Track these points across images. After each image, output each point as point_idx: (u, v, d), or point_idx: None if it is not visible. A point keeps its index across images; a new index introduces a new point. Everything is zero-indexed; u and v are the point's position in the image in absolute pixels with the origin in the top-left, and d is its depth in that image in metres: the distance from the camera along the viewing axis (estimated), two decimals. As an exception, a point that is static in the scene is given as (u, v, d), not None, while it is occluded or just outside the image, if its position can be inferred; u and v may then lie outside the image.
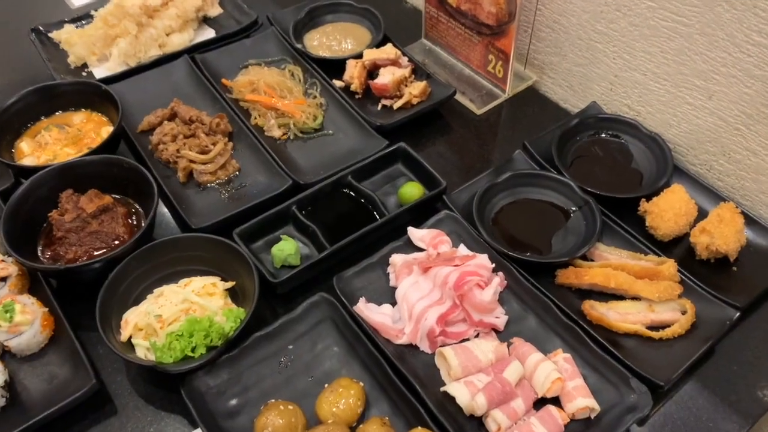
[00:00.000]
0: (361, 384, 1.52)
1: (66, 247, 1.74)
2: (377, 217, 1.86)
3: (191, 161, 1.99)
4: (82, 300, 1.70)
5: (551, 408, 1.48)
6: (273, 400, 1.47)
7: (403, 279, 1.72)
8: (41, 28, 2.43)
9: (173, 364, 1.50)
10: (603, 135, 2.08)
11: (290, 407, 1.45)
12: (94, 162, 1.85)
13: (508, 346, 1.61)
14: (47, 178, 1.81)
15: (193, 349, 1.51)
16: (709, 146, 1.92)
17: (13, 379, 1.57)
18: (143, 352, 1.57)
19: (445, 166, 2.06)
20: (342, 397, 1.47)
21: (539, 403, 1.52)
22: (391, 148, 2.01)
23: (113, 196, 1.86)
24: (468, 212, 1.85)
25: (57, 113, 2.10)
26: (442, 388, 1.53)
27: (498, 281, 1.69)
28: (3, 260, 1.71)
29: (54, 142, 2.00)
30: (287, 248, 1.76)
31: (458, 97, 2.28)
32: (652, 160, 2.00)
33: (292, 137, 2.12)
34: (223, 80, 2.26)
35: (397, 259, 1.75)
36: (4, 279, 1.68)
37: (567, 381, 1.51)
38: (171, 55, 2.32)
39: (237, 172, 2.02)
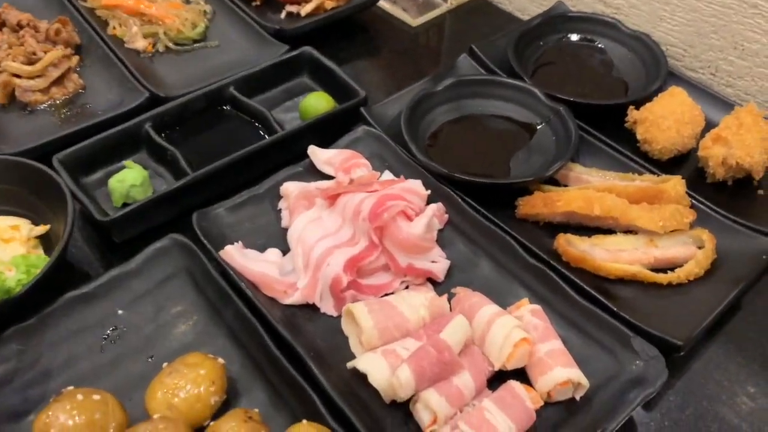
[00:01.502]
0: (221, 361, 0.97)
1: None
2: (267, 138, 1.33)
3: (14, 75, 1.44)
4: None
5: (514, 384, 0.96)
6: (70, 388, 0.91)
7: (299, 215, 1.18)
8: None
9: None
10: (573, 38, 1.59)
11: (96, 397, 0.89)
12: None
13: (449, 299, 1.09)
14: None
15: (-55, 314, 0.95)
16: (715, 39, 1.44)
17: None
18: None
19: (369, 84, 1.54)
20: (185, 382, 0.92)
21: (497, 379, 1.00)
22: (291, 54, 1.48)
23: None
24: (396, 131, 1.33)
25: None
26: (349, 364, 1.00)
27: (434, 210, 1.17)
28: None
29: None
30: (130, 177, 1.22)
31: (388, 6, 1.78)
32: (638, 67, 1.51)
33: (161, 49, 1.58)
34: (77, -12, 1.72)
35: (291, 187, 1.22)
36: None
37: (537, 343, 0.99)
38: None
39: (80, 90, 1.47)
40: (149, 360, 1.03)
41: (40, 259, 1.05)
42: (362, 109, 1.36)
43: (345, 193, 1.17)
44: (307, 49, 1.48)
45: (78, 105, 1.45)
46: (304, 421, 0.89)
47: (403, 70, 1.63)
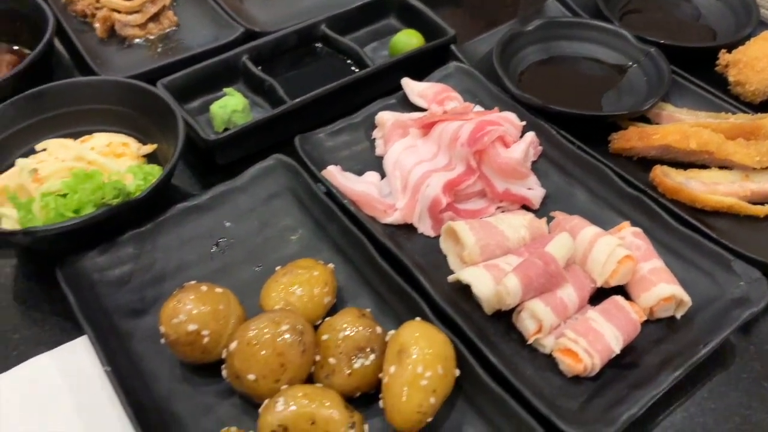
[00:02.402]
0: (331, 266, 1.01)
1: None
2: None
3: (113, 10, 1.49)
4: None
5: (618, 298, 0.98)
6: (192, 282, 0.96)
7: (394, 142, 1.21)
8: None
9: (40, 227, 0.98)
10: (659, -13, 1.59)
11: (218, 290, 0.93)
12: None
13: (548, 223, 1.11)
14: None
15: (77, 211, 1.00)
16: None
17: None
18: (11, 224, 1.06)
19: (453, 25, 1.55)
20: (300, 282, 0.96)
21: (595, 298, 1.01)
22: (380, -5, 1.51)
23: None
24: (484, 68, 1.35)
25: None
26: (451, 277, 1.03)
27: (531, 138, 1.18)
28: None
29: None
30: (232, 103, 1.26)
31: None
32: (727, 15, 1.50)
33: (252, -7, 1.62)
34: (168, -67, 1.77)
35: (386, 116, 1.25)
36: None
37: (640, 262, 1.00)
38: None
39: (175, 27, 1.52)
40: (256, 269, 1.07)
41: (155, 169, 1.09)
42: (453, 47, 1.38)
43: (440, 122, 1.20)
44: (395, -11, 1.51)
45: (173, 40, 1.50)
46: (418, 318, 0.92)
47: (489, 10, 1.64)
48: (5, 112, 1.17)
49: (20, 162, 1.09)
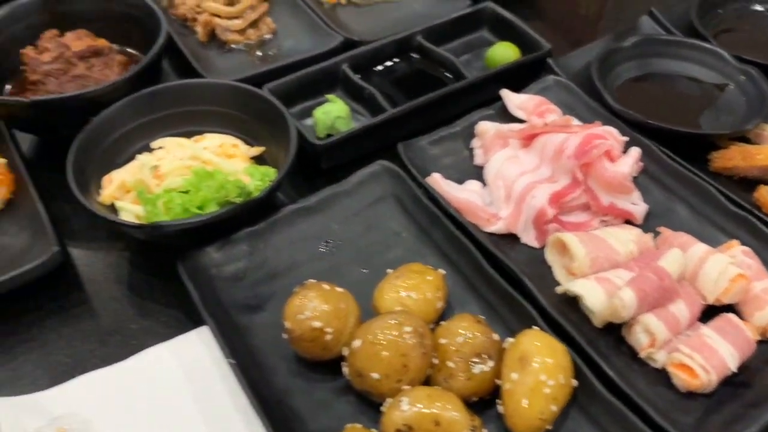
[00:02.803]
0: (441, 271, 1.03)
1: (41, 96, 1.29)
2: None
3: (214, 15, 1.54)
4: (58, 168, 1.25)
5: (731, 316, 0.98)
6: (312, 281, 0.99)
7: (495, 153, 1.23)
8: None
9: (167, 222, 1.02)
10: (756, 7, 1.58)
11: (339, 289, 0.96)
12: (88, -5, 1.41)
13: (653, 238, 1.11)
14: (25, 11, 1.37)
15: (200, 207, 1.04)
16: None
17: (-53, 248, 1.12)
18: (131, 217, 1.11)
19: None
20: (414, 285, 0.98)
21: (705, 316, 1.02)
22: (474, 7, 1.53)
23: (113, 46, 1.41)
24: (579, 82, 1.37)
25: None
26: (559, 288, 1.04)
27: (637, 153, 1.19)
28: (-46, 102, 1.26)
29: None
30: (335, 110, 1.29)
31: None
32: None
33: (343, 2, 1.66)
34: (262, -57, 1.82)
35: (487, 126, 1.27)
36: (-47, 127, 1.24)
37: (753, 281, 1.00)
38: None
39: (272, 34, 1.57)
40: (363, 270, 1.10)
41: (269, 171, 1.13)
42: (550, 60, 1.40)
43: (542, 134, 1.21)
44: (490, 4, 1.53)
45: (270, 46, 1.54)
46: (535, 328, 0.93)
47: (575, 24, 1.66)
48: (123, 110, 1.22)
49: (141, 158, 1.14)
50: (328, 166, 1.27)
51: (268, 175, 1.11)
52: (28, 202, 1.16)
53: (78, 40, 1.34)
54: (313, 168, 1.27)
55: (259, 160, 1.24)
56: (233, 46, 1.53)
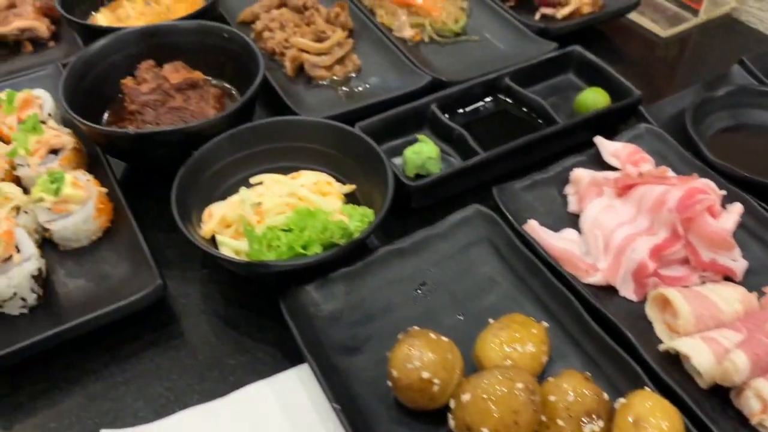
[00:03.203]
0: (545, 324, 1.02)
1: (138, 125, 1.32)
2: (545, 127, 1.38)
3: (302, 51, 1.57)
4: (149, 197, 1.28)
5: None
6: (416, 327, 0.98)
7: (590, 201, 1.22)
8: None
9: (274, 261, 1.03)
10: None
11: (444, 339, 0.96)
12: (186, 29, 1.44)
13: (758, 298, 1.09)
14: (125, 42, 1.41)
15: (305, 247, 1.04)
16: None
17: (51, 275, 1.14)
18: (230, 252, 1.12)
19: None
20: (519, 338, 0.97)
21: (816, 383, 0.98)
22: (562, 51, 1.53)
23: (207, 78, 1.44)
24: (669, 131, 1.35)
25: (144, -10, 1.72)
26: (663, 346, 1.02)
27: (740, 210, 1.17)
28: (56, 129, 1.30)
29: (137, 17, 1.61)
30: (426, 150, 1.30)
31: (635, 16, 1.80)
32: None
33: (426, 39, 1.68)
34: (342, -23, 1.85)
35: (582, 174, 1.26)
36: (55, 152, 1.27)
37: None
38: (283, -54, 1.93)
39: (357, 71, 1.58)
40: (459, 317, 1.09)
41: (367, 211, 1.13)
42: (641, 108, 1.39)
43: (639, 185, 1.20)
44: (577, 48, 1.53)
45: (356, 83, 1.56)
46: (647, 389, 0.91)
47: (658, 75, 1.65)
48: (222, 144, 1.24)
49: (242, 194, 1.15)
50: (417, 206, 1.27)
51: (367, 215, 1.12)
52: (127, 232, 1.19)
53: (175, 72, 1.38)
54: (402, 207, 1.27)
55: (349, 197, 1.25)
56: (320, 81, 1.56)
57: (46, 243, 1.19)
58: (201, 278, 1.19)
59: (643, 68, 1.68)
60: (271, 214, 1.13)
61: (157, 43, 1.43)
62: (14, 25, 1.63)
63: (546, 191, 1.28)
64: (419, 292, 1.12)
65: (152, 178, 1.34)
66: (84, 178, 1.21)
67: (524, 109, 1.45)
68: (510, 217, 1.18)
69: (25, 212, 1.17)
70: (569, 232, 1.19)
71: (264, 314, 1.12)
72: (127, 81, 1.36)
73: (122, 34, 1.40)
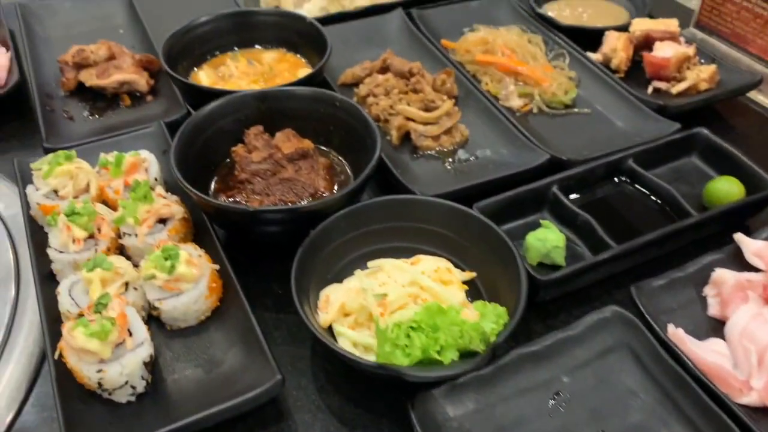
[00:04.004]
0: (706, 456, 0.91)
1: (248, 195, 1.27)
2: (675, 218, 1.29)
3: (409, 119, 1.51)
4: (254, 271, 1.22)
5: None
6: (569, 456, 0.89)
7: (736, 307, 1.12)
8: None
9: (412, 369, 0.95)
10: None
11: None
12: (299, 95, 1.39)
13: None
14: (236, 106, 1.36)
15: (439, 351, 0.96)
16: None
17: (158, 356, 1.08)
18: (348, 345, 1.04)
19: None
20: (682, 473, 0.87)
21: None
22: (687, 133, 1.45)
23: (316, 147, 1.38)
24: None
25: (246, 48, 1.69)
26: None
27: None
28: (165, 196, 1.25)
29: (240, 76, 1.58)
30: (552, 238, 1.21)
31: (752, 93, 1.71)
32: None
33: (535, 110, 1.60)
34: (444, 41, 1.80)
35: (725, 276, 1.16)
36: (163, 221, 1.22)
37: None
38: (382, 6, 1.90)
39: (465, 142, 1.52)
40: (601, 436, 1.00)
41: (498, 309, 1.05)
42: (784, 203, 1.29)
43: (793, 293, 1.10)
44: (702, 130, 1.44)
45: (463, 154, 1.49)
46: None
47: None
48: (338, 223, 1.17)
49: (365, 282, 1.08)
50: (542, 300, 1.19)
51: (501, 316, 1.03)
52: (237, 312, 1.12)
53: (287, 141, 1.33)
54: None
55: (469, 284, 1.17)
56: (426, 151, 1.49)
57: (151, 320, 1.13)
58: (313, 367, 1.11)
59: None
60: (394, 305, 1.06)
61: (267, 107, 1.38)
62: (114, 78, 1.61)
63: (684, 291, 1.17)
64: (554, 402, 1.03)
65: (255, 249, 1.29)
66: (196, 253, 1.15)
67: (649, 194, 1.36)
68: (652, 323, 1.08)
69: (134, 288, 1.11)
70: (717, 344, 1.09)
71: (383, 415, 1.03)
72: (238, 149, 1.31)
73: (234, 98, 1.36)
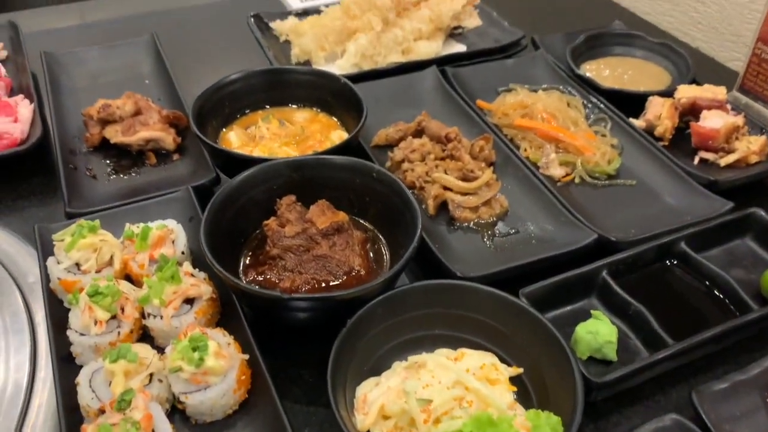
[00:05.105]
0: None
1: (279, 272, 1.20)
2: (732, 308, 1.22)
3: (446, 188, 1.44)
4: (282, 356, 1.15)
5: None
6: None
7: (807, 418, 1.04)
8: (262, 16, 2.04)
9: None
10: None
11: None
12: (335, 164, 1.32)
13: None
14: (269, 175, 1.29)
15: (492, 474, 0.88)
16: None
17: (182, 457, 1.00)
18: (389, 454, 0.97)
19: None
20: None
21: None
22: (741, 213, 1.37)
23: (351, 219, 1.31)
24: None
25: (278, 107, 1.63)
26: None
27: None
28: (193, 275, 1.18)
29: (271, 138, 1.52)
30: (604, 332, 1.14)
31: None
32: None
33: (577, 180, 1.53)
34: (479, 102, 1.74)
35: (793, 383, 1.08)
36: (190, 301, 1.15)
37: None
38: (416, 63, 1.84)
39: (504, 214, 1.45)
40: None
41: (552, 419, 0.97)
42: None
43: None
44: (758, 210, 1.36)
45: (502, 227, 1.41)
46: None
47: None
48: (375, 311, 1.09)
49: (408, 385, 1.00)
50: (594, 399, 1.10)
51: (556, 429, 0.95)
52: (266, 407, 1.04)
53: (321, 215, 1.26)
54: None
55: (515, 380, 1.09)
56: (463, 223, 1.42)
57: (175, 411, 1.06)
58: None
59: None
60: (439, 411, 0.98)
61: (301, 176, 1.31)
62: (140, 135, 1.55)
63: (746, 396, 1.08)
64: None
65: (284, 330, 1.21)
66: (225, 340, 1.08)
67: (702, 279, 1.28)
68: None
69: (159, 380, 1.04)
70: (788, 462, 1.01)
71: None
72: (271, 223, 1.24)
73: (267, 167, 1.29)
